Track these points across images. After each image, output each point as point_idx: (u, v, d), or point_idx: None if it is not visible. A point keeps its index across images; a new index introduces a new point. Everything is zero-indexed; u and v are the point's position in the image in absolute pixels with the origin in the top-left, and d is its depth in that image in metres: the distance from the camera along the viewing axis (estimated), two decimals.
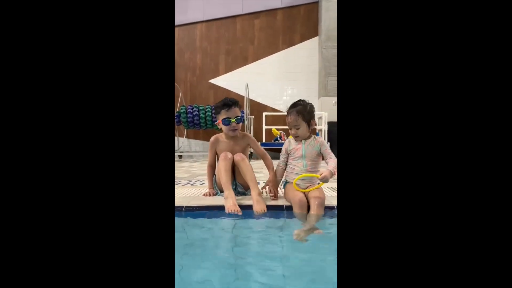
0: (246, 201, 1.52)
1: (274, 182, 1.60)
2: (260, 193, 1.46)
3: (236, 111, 1.60)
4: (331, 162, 1.49)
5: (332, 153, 1.53)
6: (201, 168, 3.67)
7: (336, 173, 1.44)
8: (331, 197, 1.66)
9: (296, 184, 1.52)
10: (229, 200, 1.43)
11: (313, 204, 1.38)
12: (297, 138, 1.55)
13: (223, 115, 1.59)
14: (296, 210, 1.39)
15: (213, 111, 1.79)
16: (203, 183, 2.34)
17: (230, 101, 1.60)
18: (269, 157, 1.69)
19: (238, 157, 1.56)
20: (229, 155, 1.57)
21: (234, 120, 1.58)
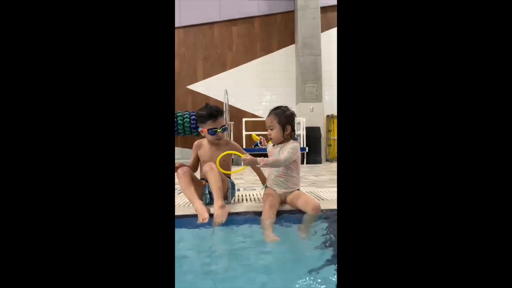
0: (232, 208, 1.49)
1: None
2: (223, 206, 1.43)
3: (221, 121, 1.61)
4: (272, 157, 1.49)
5: (287, 155, 1.47)
6: None
7: (265, 164, 1.42)
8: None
9: (274, 190, 1.54)
10: (199, 212, 1.42)
11: (312, 210, 1.40)
12: (272, 140, 1.59)
13: (208, 125, 1.59)
14: (265, 211, 1.41)
15: (196, 119, 1.77)
16: (180, 193, 2.27)
17: (216, 111, 1.59)
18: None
19: (207, 167, 1.54)
20: (184, 169, 1.55)
21: (220, 130, 1.60)
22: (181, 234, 1.28)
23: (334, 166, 5.02)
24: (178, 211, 1.51)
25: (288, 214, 1.47)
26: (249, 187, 2.45)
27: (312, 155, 5.52)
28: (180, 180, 1.53)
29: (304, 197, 1.49)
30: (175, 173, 1.55)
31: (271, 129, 1.54)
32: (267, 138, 1.67)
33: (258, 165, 1.45)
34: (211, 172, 1.51)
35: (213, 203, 1.60)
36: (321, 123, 6.01)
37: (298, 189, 1.59)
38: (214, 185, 1.48)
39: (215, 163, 1.52)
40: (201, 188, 1.63)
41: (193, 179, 1.57)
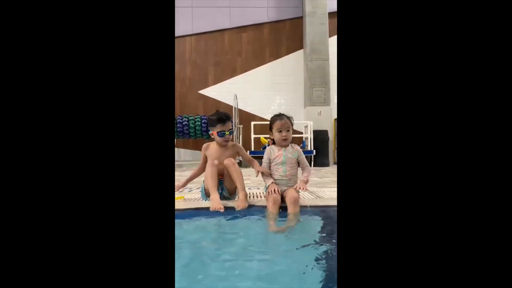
0: (231, 203, 1.66)
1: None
2: (246, 195, 1.67)
3: (229, 125, 1.84)
4: (306, 172, 1.73)
5: (307, 162, 1.76)
6: None
7: (309, 180, 1.70)
8: (308, 198, 1.81)
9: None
10: (214, 201, 1.63)
11: (289, 204, 1.56)
12: (285, 142, 1.73)
13: (218, 128, 1.81)
14: (269, 206, 1.57)
15: (207, 123, 1.99)
16: (191, 190, 2.46)
17: (224, 116, 1.83)
18: (255, 161, 1.88)
19: (229, 161, 1.74)
20: (216, 162, 1.76)
21: (227, 133, 1.82)
22: (195, 223, 1.45)
23: None
24: (196, 205, 1.69)
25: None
26: (254, 186, 2.61)
27: (319, 158, 5.61)
28: (208, 169, 1.73)
29: (289, 191, 1.64)
30: (208, 164, 1.76)
31: (287, 131, 1.70)
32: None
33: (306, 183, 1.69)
34: (234, 166, 1.73)
35: (223, 198, 1.81)
36: (329, 127, 6.10)
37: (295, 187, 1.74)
38: (238, 178, 1.72)
39: (222, 163, 1.72)
40: (217, 184, 1.81)
41: (216, 174, 1.77)
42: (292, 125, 1.71)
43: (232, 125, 1.92)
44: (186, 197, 2.05)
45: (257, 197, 1.98)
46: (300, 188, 1.63)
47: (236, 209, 1.56)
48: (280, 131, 1.70)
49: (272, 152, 1.76)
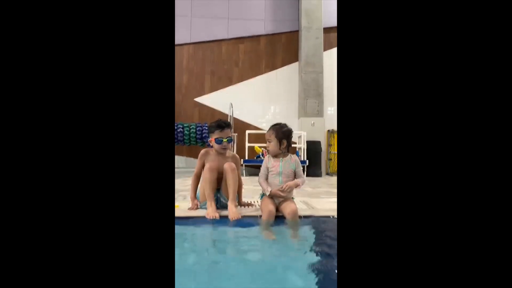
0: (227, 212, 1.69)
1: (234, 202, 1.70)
2: (236, 205, 1.67)
3: (228, 132, 1.84)
4: (299, 179, 1.77)
5: (303, 174, 1.80)
6: (183, 184, 3.77)
7: (299, 186, 1.74)
8: (301, 209, 1.86)
9: (271, 197, 1.72)
10: (210, 209, 1.65)
11: (288, 214, 1.60)
12: (269, 152, 1.79)
13: (216, 134, 1.80)
14: (264, 218, 1.60)
15: (208, 129, 1.96)
16: (185, 198, 2.47)
17: (224, 123, 1.83)
18: (241, 183, 1.88)
19: (229, 166, 1.73)
20: (215, 167, 1.76)
21: (225, 140, 1.82)
22: (193, 232, 1.47)
23: (333, 179, 5.16)
24: (189, 213, 1.71)
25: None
26: (248, 195, 2.64)
27: (312, 168, 5.68)
28: (207, 174, 1.70)
29: (287, 204, 1.68)
30: (205, 168, 1.72)
31: (269, 142, 1.75)
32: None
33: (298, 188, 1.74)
34: (233, 172, 1.70)
35: (221, 206, 1.80)
36: (322, 138, 6.21)
37: (292, 198, 1.77)
38: (232, 185, 1.69)
39: (222, 172, 1.74)
40: (215, 190, 1.82)
41: (215, 179, 1.74)
42: (276, 135, 1.71)
43: (231, 134, 1.89)
44: (180, 205, 2.07)
45: (250, 206, 2.02)
46: (286, 186, 1.66)
47: (230, 220, 1.57)
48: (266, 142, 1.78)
49: (270, 161, 1.78)
